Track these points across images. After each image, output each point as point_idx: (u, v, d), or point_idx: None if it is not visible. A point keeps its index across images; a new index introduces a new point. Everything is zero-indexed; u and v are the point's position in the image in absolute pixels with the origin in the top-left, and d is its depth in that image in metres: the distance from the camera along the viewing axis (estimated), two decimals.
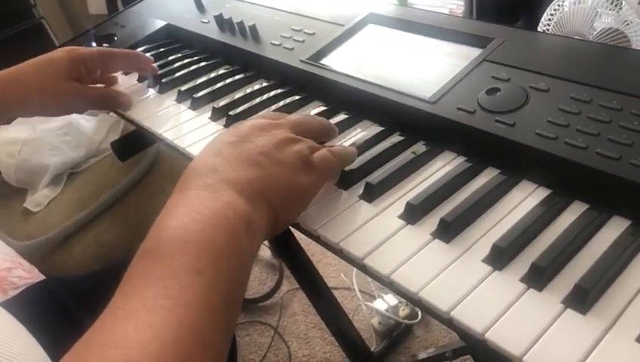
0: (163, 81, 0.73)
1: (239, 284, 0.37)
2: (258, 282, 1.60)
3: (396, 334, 1.34)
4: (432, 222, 0.44)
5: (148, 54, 0.78)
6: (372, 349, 1.32)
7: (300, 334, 1.43)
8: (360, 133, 0.57)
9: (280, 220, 0.44)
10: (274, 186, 0.42)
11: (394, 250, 0.42)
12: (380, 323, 1.35)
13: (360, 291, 1.44)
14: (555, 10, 0.94)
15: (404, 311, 1.34)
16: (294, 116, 0.51)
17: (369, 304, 1.41)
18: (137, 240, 0.37)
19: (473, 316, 0.36)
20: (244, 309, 1.53)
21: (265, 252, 1.69)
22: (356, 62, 0.64)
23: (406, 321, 1.33)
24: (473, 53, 0.58)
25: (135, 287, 0.34)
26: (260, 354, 1.41)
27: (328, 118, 0.59)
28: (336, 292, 1.48)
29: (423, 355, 1.22)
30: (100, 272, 0.92)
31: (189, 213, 0.37)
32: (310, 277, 1.05)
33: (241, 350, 1.42)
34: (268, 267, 1.64)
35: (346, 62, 0.64)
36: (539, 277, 0.37)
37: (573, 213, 0.43)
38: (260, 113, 0.58)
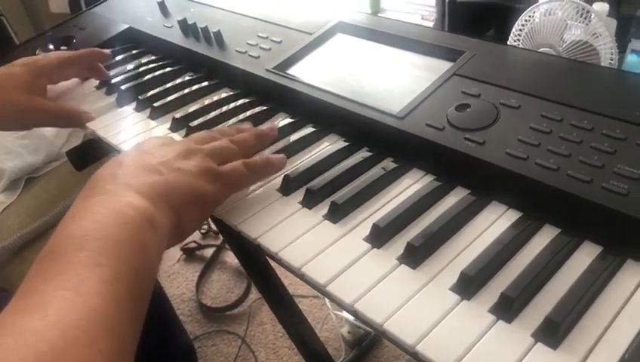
0: (122, 88, 0.69)
1: (144, 280, 0.36)
2: (226, 290, 1.57)
3: (365, 343, 1.33)
4: (398, 245, 0.42)
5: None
6: (341, 359, 1.30)
7: (268, 344, 1.40)
8: (327, 147, 0.55)
9: (184, 225, 0.43)
10: (175, 190, 0.42)
11: (358, 276, 0.40)
12: (349, 333, 1.34)
13: (330, 300, 1.42)
14: (526, 20, 0.94)
15: None
16: (212, 145, 0.49)
17: (338, 313, 1.39)
18: None
19: (440, 350, 0.34)
20: (210, 318, 1.50)
21: (233, 259, 1.65)
22: (324, 73, 0.62)
23: None
24: (443, 66, 0.56)
25: (32, 286, 0.33)
26: None
27: (294, 130, 0.57)
28: (305, 301, 1.46)
29: None
30: None
31: (88, 215, 0.37)
32: (274, 289, 1.02)
33: (207, 360, 1.38)
34: (236, 275, 1.61)
35: (313, 73, 0.62)
36: (508, 308, 0.35)
37: (544, 237, 0.41)
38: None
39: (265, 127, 0.57)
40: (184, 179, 0.43)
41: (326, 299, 1.43)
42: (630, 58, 1.00)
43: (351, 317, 1.33)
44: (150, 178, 0.42)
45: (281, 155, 0.53)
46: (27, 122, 0.68)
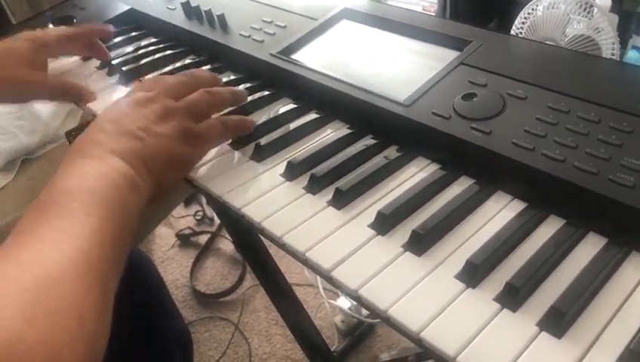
0: (124, 69, 0.68)
1: (124, 233, 0.40)
2: (220, 277, 1.57)
3: (358, 332, 1.33)
4: (403, 232, 0.42)
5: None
6: (334, 348, 1.30)
7: (261, 331, 1.40)
8: (330, 133, 0.55)
9: (163, 184, 0.47)
10: (154, 155, 0.46)
11: (363, 263, 0.40)
12: (342, 322, 1.34)
13: (324, 288, 1.43)
14: (529, 13, 0.94)
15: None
16: (171, 79, 0.52)
17: (332, 302, 1.39)
18: None
19: (444, 337, 0.34)
20: (203, 304, 1.50)
21: (228, 246, 1.65)
22: (329, 58, 0.61)
23: (369, 320, 1.33)
24: (450, 55, 0.56)
25: (27, 228, 0.35)
26: (220, 350, 1.38)
27: (298, 116, 0.57)
28: (299, 289, 1.46)
29: (384, 357, 1.21)
30: None
31: (77, 175, 0.41)
32: (271, 274, 1.02)
33: (200, 346, 1.39)
34: (230, 261, 1.61)
35: (318, 59, 0.61)
36: (513, 297, 0.36)
37: (550, 227, 0.41)
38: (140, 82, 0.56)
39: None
40: (163, 144, 0.46)
41: (320, 287, 1.43)
42: (631, 54, 1.00)
43: (345, 306, 1.34)
44: (131, 144, 0.45)
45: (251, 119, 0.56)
46: (27, 95, 0.68)
